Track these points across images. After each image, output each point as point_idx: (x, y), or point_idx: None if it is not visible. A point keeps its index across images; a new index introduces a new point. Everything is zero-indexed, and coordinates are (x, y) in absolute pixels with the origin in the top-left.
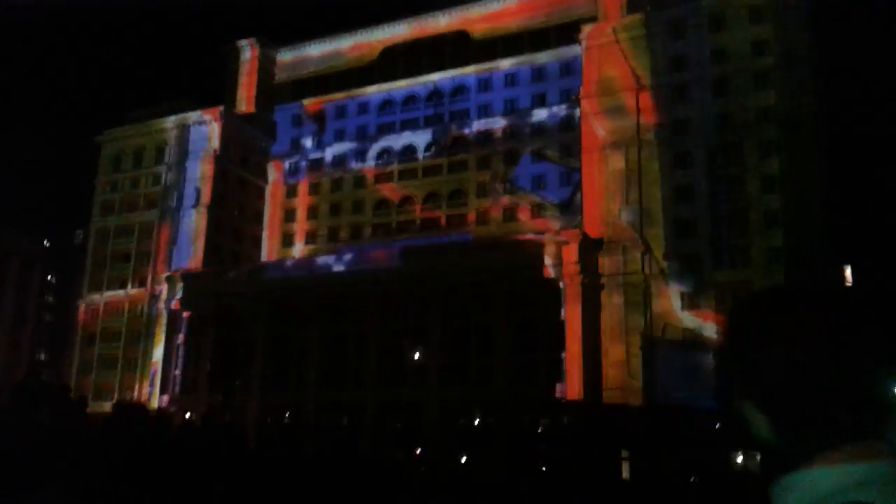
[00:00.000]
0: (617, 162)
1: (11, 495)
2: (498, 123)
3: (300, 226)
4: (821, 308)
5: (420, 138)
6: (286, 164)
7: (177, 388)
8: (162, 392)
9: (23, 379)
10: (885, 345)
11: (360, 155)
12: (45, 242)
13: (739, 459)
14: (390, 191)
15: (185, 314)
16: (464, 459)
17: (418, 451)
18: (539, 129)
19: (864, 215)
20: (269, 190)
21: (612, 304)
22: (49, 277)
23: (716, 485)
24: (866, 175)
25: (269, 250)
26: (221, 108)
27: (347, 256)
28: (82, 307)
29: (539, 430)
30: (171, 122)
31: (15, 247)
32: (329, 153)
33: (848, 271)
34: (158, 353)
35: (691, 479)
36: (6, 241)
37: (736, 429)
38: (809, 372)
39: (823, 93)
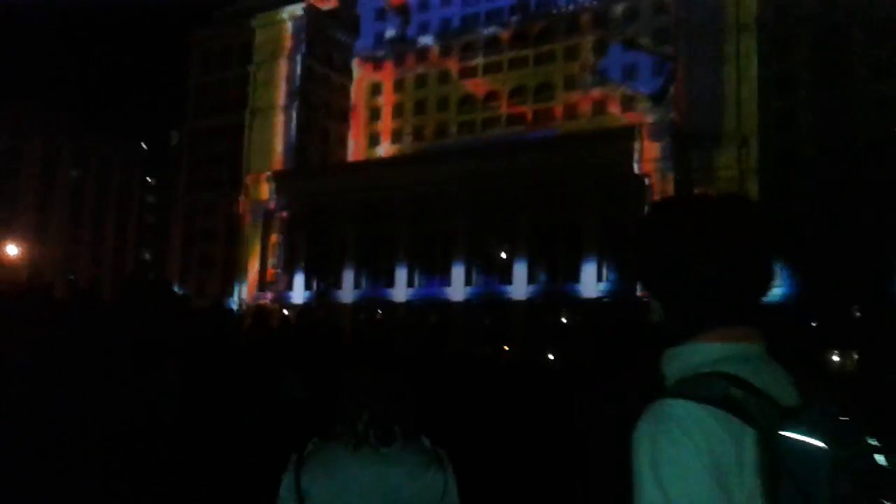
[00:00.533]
0: (711, 49)
1: (124, 383)
2: (587, 10)
3: (385, 124)
4: (709, 208)
5: (505, 29)
6: (370, 61)
7: (271, 287)
8: (260, 290)
9: (130, 276)
10: (764, 243)
11: (445, 50)
12: (142, 145)
13: (836, 358)
14: (475, 86)
15: (282, 214)
16: (551, 357)
17: (506, 349)
18: (631, 13)
19: None
20: (353, 88)
21: None
22: (148, 179)
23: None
24: None
25: (355, 150)
26: (306, 3)
27: (435, 155)
28: (180, 208)
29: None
30: (255, 20)
31: (115, 151)
32: (413, 48)
33: None
34: (253, 253)
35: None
36: (107, 146)
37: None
38: (692, 263)
39: None
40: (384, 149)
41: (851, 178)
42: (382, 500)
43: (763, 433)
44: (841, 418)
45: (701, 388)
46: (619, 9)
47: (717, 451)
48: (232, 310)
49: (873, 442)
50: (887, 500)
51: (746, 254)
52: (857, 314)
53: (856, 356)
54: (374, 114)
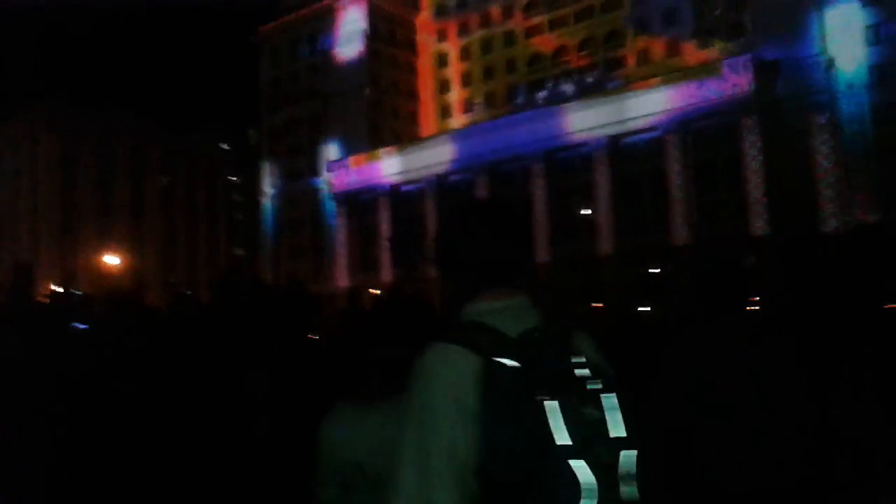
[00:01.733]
0: None
1: (226, 381)
2: None
3: (456, 95)
4: (473, 212)
5: None
6: (433, 33)
7: (359, 269)
8: (350, 273)
9: (223, 274)
10: (509, 235)
11: (507, 9)
12: (223, 146)
13: None
14: (543, 43)
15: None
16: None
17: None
18: None
19: None
20: (419, 62)
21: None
22: (232, 178)
23: None
24: None
25: (426, 125)
26: None
27: (505, 125)
28: (265, 202)
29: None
30: (319, 8)
31: (199, 154)
32: (475, 12)
33: None
34: (340, 237)
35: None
36: (190, 150)
37: None
38: (462, 250)
39: None
40: (457, 121)
41: None
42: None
43: (483, 360)
44: (551, 345)
45: (456, 333)
46: None
47: (455, 378)
48: (307, 292)
49: (578, 359)
50: (573, 397)
51: (497, 243)
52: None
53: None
54: (444, 86)
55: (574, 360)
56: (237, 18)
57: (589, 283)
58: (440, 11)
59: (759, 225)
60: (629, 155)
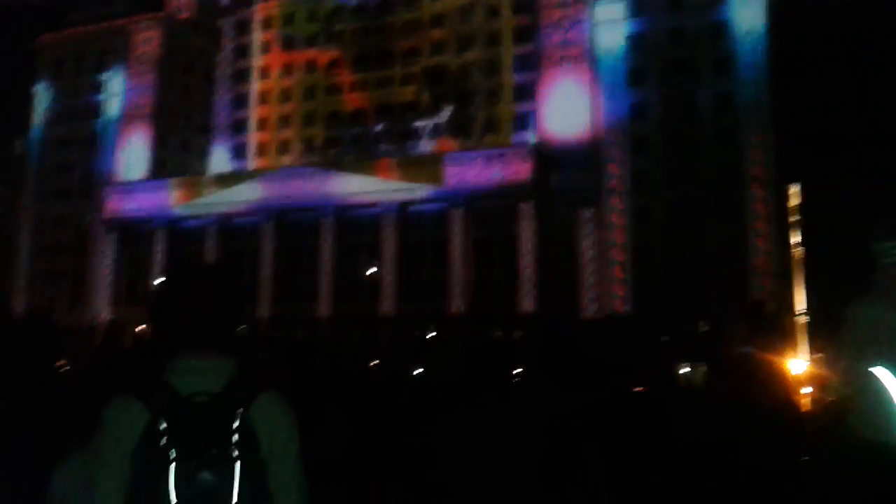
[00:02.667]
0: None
1: None
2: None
3: (255, 137)
4: (177, 278)
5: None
6: (230, 71)
7: (125, 301)
8: (114, 304)
9: None
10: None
11: (312, 62)
12: None
13: (685, 370)
14: (351, 100)
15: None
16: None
17: (375, 363)
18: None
19: (813, 135)
20: (217, 101)
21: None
22: None
23: (662, 394)
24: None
25: (216, 162)
26: (163, 13)
27: (300, 174)
28: (27, 219)
29: (491, 343)
30: (111, 26)
31: None
32: (278, 58)
33: (795, 189)
34: (105, 266)
35: (639, 389)
36: None
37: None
38: (169, 310)
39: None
40: (250, 162)
41: (694, 201)
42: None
43: (149, 415)
44: (213, 409)
45: (140, 387)
46: None
47: (123, 430)
48: (52, 324)
49: (228, 426)
50: (196, 462)
51: (198, 310)
52: (704, 329)
53: (703, 368)
54: (239, 125)
55: (224, 426)
56: (14, 20)
57: (368, 341)
58: (241, 52)
59: (528, 302)
60: (416, 223)
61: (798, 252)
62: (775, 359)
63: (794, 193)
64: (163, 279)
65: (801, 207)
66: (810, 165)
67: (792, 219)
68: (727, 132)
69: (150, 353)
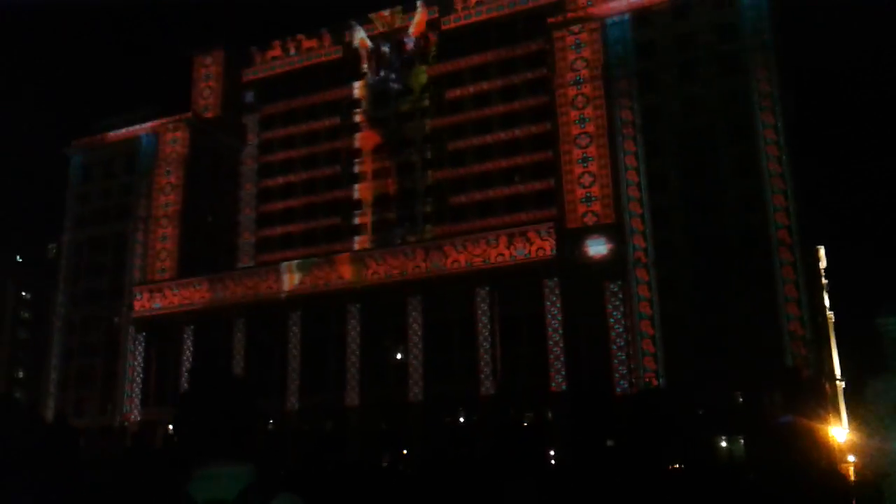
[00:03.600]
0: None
1: None
2: None
3: (276, 229)
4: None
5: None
6: (256, 166)
7: (155, 401)
8: (143, 405)
9: None
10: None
11: (334, 152)
12: (17, 258)
13: (723, 444)
14: (365, 189)
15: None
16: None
17: (405, 452)
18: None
19: (838, 198)
20: (243, 195)
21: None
22: (23, 293)
23: (702, 470)
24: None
25: (245, 255)
26: (189, 114)
27: (325, 264)
28: (58, 322)
29: (524, 425)
30: (138, 130)
31: None
32: (300, 150)
33: (822, 252)
34: (135, 365)
35: (677, 466)
36: None
37: (719, 413)
38: (188, 425)
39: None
40: (275, 254)
41: (721, 269)
42: None
43: None
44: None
45: (163, 497)
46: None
47: None
48: (70, 428)
49: None
50: None
51: (207, 420)
52: (740, 400)
53: (742, 441)
54: (263, 219)
55: None
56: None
57: (397, 430)
58: (266, 147)
59: (558, 380)
60: (441, 303)
61: (830, 316)
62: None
63: (822, 256)
64: (185, 389)
65: (830, 270)
66: (837, 226)
67: (822, 282)
68: (749, 198)
69: (176, 460)
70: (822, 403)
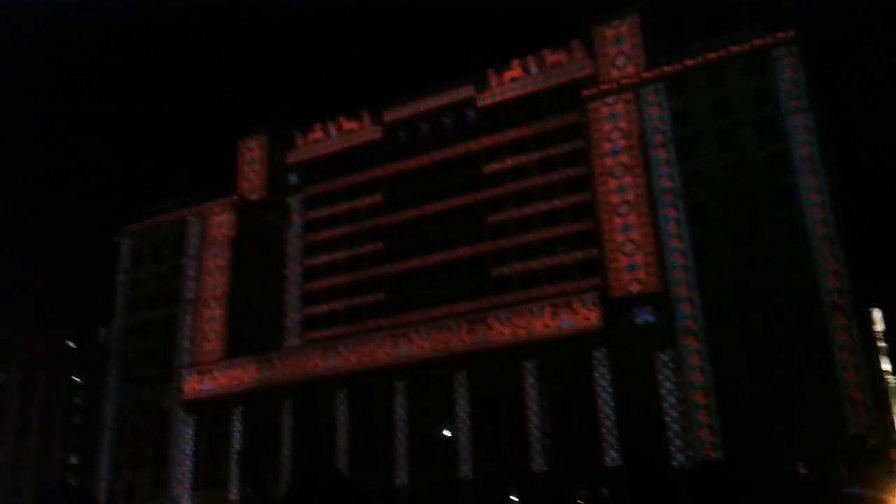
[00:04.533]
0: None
1: None
2: None
3: (322, 308)
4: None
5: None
6: (301, 245)
7: (205, 484)
8: (193, 488)
9: (49, 488)
10: None
11: (376, 230)
12: (69, 343)
13: None
14: (405, 267)
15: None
16: None
17: None
18: None
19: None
20: (289, 274)
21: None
22: (75, 378)
23: None
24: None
25: (291, 334)
26: (234, 196)
27: (369, 340)
28: (110, 407)
29: (579, 503)
30: (186, 213)
31: (40, 350)
32: (343, 229)
33: (877, 314)
34: (185, 448)
35: None
36: (31, 345)
37: (784, 484)
38: None
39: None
40: (321, 332)
41: (773, 335)
42: None
43: None
44: None
45: None
46: None
47: None
48: None
49: None
50: None
51: None
52: (802, 470)
53: None
54: (310, 297)
55: None
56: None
57: None
58: (310, 226)
59: (611, 455)
60: (488, 377)
61: (891, 380)
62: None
63: (878, 319)
64: (294, 483)
65: (887, 333)
66: (891, 287)
67: (879, 345)
68: (798, 261)
69: None
70: (890, 472)
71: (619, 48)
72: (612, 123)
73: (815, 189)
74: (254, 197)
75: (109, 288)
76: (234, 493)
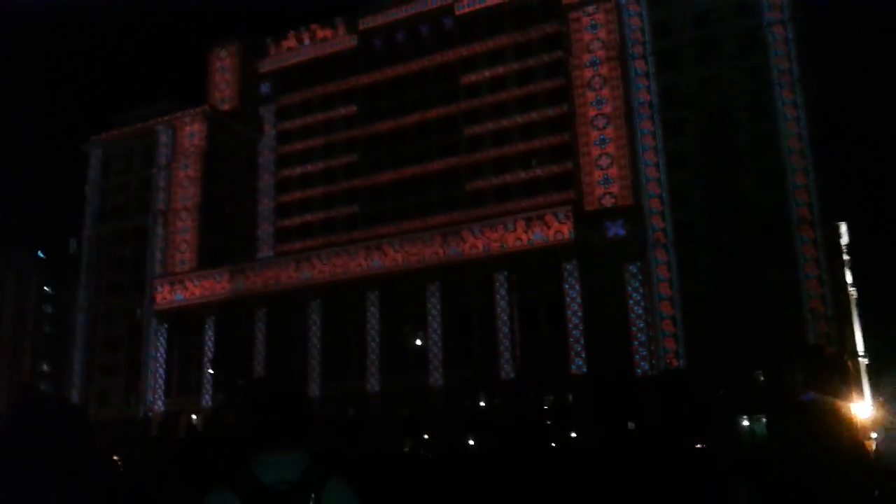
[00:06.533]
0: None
1: (22, 500)
2: None
3: (296, 220)
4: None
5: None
6: (274, 157)
7: (178, 392)
8: (166, 395)
9: (21, 392)
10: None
11: (350, 141)
12: (39, 253)
13: (745, 423)
14: (384, 177)
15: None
16: (471, 442)
17: (426, 437)
18: None
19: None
20: (262, 186)
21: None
22: (46, 288)
23: (724, 450)
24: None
25: (264, 246)
26: (206, 107)
27: (342, 253)
28: (81, 316)
29: (544, 408)
30: (156, 124)
31: (9, 260)
32: (318, 139)
33: (843, 228)
34: (157, 357)
35: (699, 446)
36: (0, 256)
37: (740, 392)
38: (248, 420)
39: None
40: (294, 244)
41: (741, 248)
42: None
43: (241, 499)
44: (293, 495)
45: (230, 478)
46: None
47: None
48: (83, 417)
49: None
50: None
51: (264, 417)
52: (761, 378)
53: (764, 420)
54: (283, 209)
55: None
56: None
57: (419, 415)
58: (283, 137)
59: (578, 363)
60: (459, 289)
61: (852, 292)
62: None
63: (844, 233)
64: (244, 392)
65: (851, 246)
66: (858, 202)
67: (843, 258)
68: (770, 175)
69: (232, 448)
70: (845, 380)
71: None
72: (592, 34)
73: (791, 103)
74: (225, 107)
75: (79, 198)
76: (206, 399)
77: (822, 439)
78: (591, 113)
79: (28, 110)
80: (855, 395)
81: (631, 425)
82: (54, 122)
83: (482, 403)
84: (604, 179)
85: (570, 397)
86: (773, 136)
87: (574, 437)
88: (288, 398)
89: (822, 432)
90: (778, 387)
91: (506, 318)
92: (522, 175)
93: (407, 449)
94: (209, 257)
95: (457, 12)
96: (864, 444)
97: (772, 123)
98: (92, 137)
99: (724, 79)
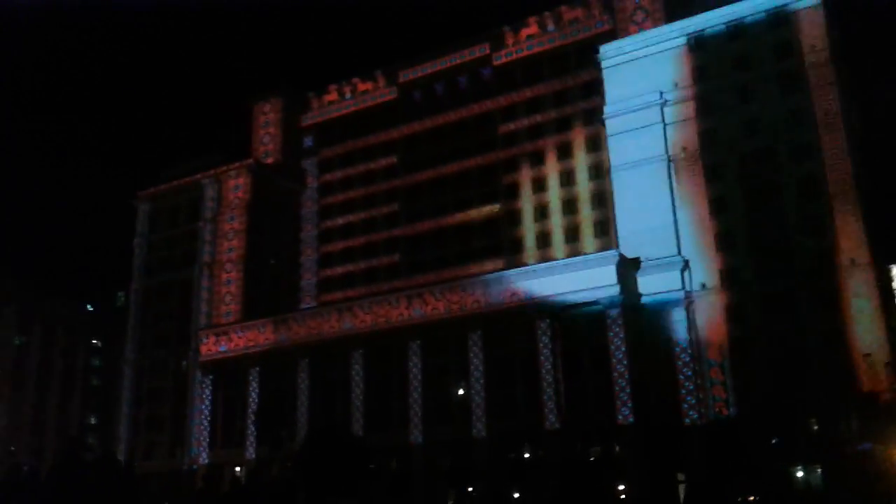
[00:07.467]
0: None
1: None
2: None
3: (338, 270)
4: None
5: None
6: (316, 208)
7: (222, 443)
8: (210, 447)
9: (68, 447)
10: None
11: (391, 192)
12: (87, 307)
13: (800, 474)
14: (424, 227)
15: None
16: (516, 494)
17: (469, 489)
18: None
19: None
20: (304, 237)
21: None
22: (94, 341)
23: (778, 501)
24: None
25: (306, 296)
26: (250, 160)
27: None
28: (127, 368)
29: (591, 459)
30: (202, 177)
31: (59, 314)
32: (358, 191)
33: (895, 271)
34: (202, 408)
35: (752, 498)
36: (50, 310)
37: (793, 442)
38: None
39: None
40: (336, 294)
41: (789, 293)
42: None
43: None
44: None
45: None
46: None
47: None
48: (127, 470)
49: None
50: None
51: (325, 466)
52: (815, 427)
53: (819, 471)
54: (325, 260)
55: None
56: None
57: (462, 467)
58: (325, 189)
59: (625, 413)
60: (502, 338)
61: None
62: None
63: (895, 276)
64: (305, 444)
65: None
66: None
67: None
68: (816, 219)
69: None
70: None
71: (638, 2)
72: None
73: (837, 146)
74: (269, 160)
75: (127, 252)
76: (250, 451)
77: (878, 490)
78: (631, 159)
79: (79, 166)
80: None
81: (681, 476)
82: (104, 178)
83: (526, 455)
84: (645, 226)
85: (617, 448)
86: (818, 179)
87: (622, 490)
88: (350, 449)
89: (879, 483)
90: (833, 436)
91: (549, 366)
92: (563, 222)
93: (451, 503)
94: (253, 308)
95: (495, 63)
96: None
97: (817, 165)
98: (140, 192)
99: (765, 121)
